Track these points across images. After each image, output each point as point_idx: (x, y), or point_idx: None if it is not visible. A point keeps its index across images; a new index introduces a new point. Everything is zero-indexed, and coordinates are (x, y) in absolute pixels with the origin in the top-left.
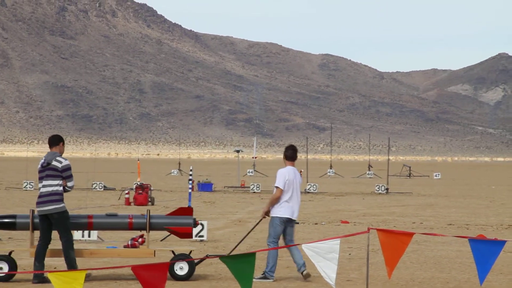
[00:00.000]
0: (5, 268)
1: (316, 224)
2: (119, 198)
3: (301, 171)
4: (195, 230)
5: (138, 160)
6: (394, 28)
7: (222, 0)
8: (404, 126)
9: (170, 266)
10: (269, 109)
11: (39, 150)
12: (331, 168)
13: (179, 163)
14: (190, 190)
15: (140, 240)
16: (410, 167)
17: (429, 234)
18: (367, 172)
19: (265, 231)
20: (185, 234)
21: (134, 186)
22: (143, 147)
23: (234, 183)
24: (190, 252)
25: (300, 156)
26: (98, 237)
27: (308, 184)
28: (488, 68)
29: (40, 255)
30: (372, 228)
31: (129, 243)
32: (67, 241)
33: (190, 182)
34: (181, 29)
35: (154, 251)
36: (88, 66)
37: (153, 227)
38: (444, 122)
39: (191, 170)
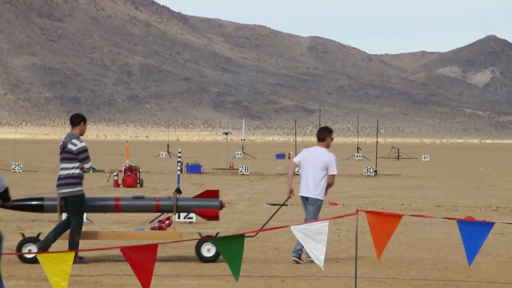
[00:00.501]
0: (34, 249)
1: None
2: (108, 180)
3: (289, 153)
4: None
5: (127, 142)
6: (382, 11)
7: None
8: (393, 108)
9: (197, 248)
10: (257, 92)
11: (27, 132)
12: None
13: (168, 145)
14: (179, 172)
15: (167, 222)
16: (398, 149)
17: (417, 216)
18: (356, 154)
19: (256, 213)
20: (211, 216)
21: (122, 168)
22: (132, 129)
23: (223, 165)
24: (217, 234)
25: (289, 138)
26: (87, 218)
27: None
28: (476, 50)
29: (59, 228)
30: (360, 210)
31: (156, 225)
32: (75, 225)
33: (179, 164)
34: (169, 11)
35: (182, 233)
36: (76, 48)
37: (180, 209)
38: (433, 104)
39: (179, 152)
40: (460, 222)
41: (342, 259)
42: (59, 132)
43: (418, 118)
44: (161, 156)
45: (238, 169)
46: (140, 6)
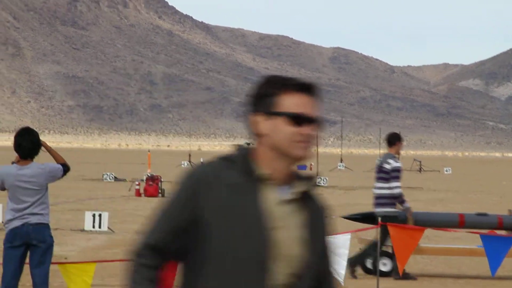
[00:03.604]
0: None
1: None
2: (130, 189)
3: (311, 165)
4: None
5: (149, 151)
6: (405, 22)
7: None
8: (415, 121)
9: None
10: None
11: (50, 140)
12: (341, 162)
13: (190, 155)
14: None
15: None
16: (420, 162)
17: (440, 229)
18: None
19: None
20: None
21: (144, 178)
22: (154, 138)
23: None
24: None
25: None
26: (108, 228)
27: (318, 178)
28: (499, 63)
29: (368, 248)
30: (383, 223)
31: None
32: (373, 245)
33: None
34: (192, 21)
35: None
36: (99, 56)
37: None
38: (455, 117)
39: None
40: (483, 236)
41: (363, 273)
42: (81, 140)
43: (440, 131)
44: (183, 165)
45: None
46: (164, 15)
